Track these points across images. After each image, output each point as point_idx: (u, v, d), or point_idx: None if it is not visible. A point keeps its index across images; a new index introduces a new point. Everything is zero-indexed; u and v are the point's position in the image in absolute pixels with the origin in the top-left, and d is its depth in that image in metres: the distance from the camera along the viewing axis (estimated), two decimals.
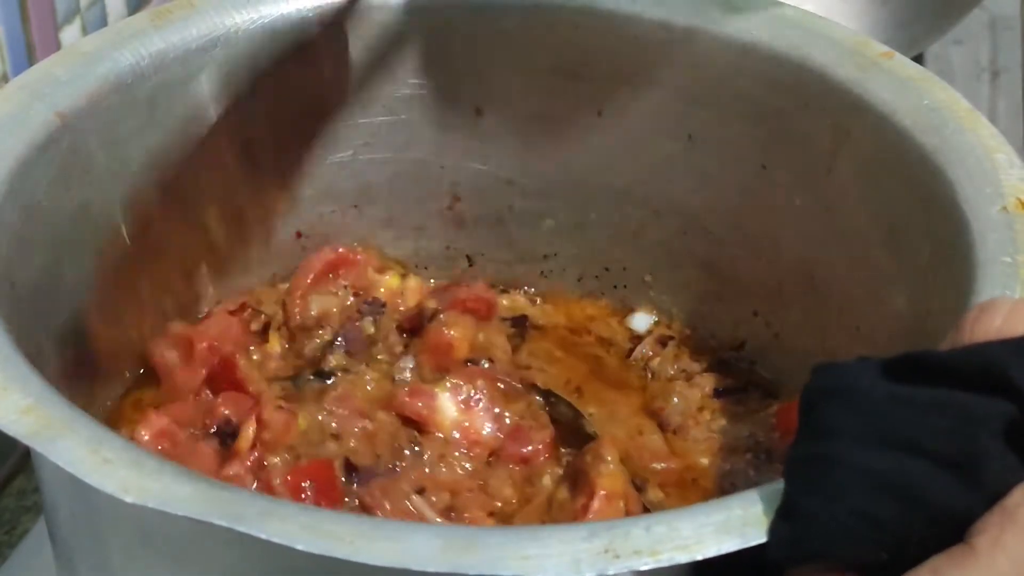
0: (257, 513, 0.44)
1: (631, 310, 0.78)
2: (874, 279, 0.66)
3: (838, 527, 0.42)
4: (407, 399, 0.67)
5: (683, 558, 0.43)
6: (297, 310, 0.72)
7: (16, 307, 0.57)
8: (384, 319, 0.73)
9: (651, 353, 0.75)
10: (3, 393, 0.49)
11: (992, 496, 0.41)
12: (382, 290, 0.74)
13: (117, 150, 0.65)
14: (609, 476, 0.62)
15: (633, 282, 0.78)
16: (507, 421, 0.68)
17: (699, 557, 0.43)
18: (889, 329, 0.64)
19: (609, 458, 0.62)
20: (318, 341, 0.72)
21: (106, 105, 0.64)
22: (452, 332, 0.71)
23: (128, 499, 0.45)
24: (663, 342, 0.76)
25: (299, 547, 0.43)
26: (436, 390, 0.68)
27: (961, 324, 0.45)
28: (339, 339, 0.71)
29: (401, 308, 0.74)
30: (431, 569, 0.43)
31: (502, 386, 0.69)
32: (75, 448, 0.47)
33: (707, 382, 0.73)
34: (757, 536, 0.44)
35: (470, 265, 0.80)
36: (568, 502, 0.63)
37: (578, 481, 0.63)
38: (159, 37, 0.67)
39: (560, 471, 0.66)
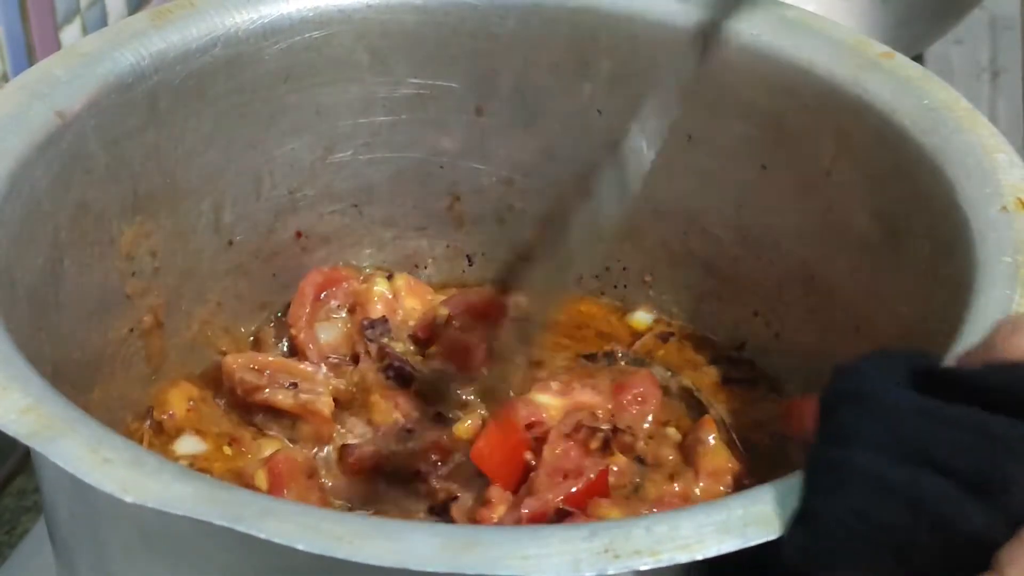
0: (256, 513, 0.44)
1: (631, 309, 0.78)
2: (874, 279, 0.66)
3: (842, 528, 0.41)
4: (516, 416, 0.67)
5: (683, 558, 0.43)
6: (311, 343, 0.72)
7: (16, 307, 0.57)
8: (398, 333, 0.73)
9: (652, 347, 0.76)
10: (3, 393, 0.49)
11: (1015, 522, 0.40)
12: (377, 304, 0.73)
13: (117, 150, 0.65)
14: (710, 455, 0.65)
15: (633, 282, 0.78)
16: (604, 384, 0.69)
17: (699, 557, 0.43)
18: (889, 329, 0.64)
19: (710, 437, 0.65)
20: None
21: (106, 105, 0.64)
22: (468, 337, 0.71)
23: (128, 499, 0.45)
24: (664, 338, 0.76)
25: (299, 547, 0.43)
26: (529, 396, 0.68)
27: (991, 340, 0.44)
28: (390, 372, 0.71)
29: (400, 314, 0.74)
30: (430, 569, 0.43)
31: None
32: (75, 448, 0.47)
33: (714, 372, 0.74)
34: (758, 535, 0.44)
35: (470, 265, 0.80)
36: (684, 475, 0.65)
37: (688, 459, 0.66)
38: (159, 37, 0.67)
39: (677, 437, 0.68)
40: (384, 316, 0.73)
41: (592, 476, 0.62)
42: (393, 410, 0.69)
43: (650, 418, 0.68)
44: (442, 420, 0.69)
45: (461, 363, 0.71)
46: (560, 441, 0.64)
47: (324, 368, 0.71)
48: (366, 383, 0.70)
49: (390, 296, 0.74)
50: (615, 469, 0.64)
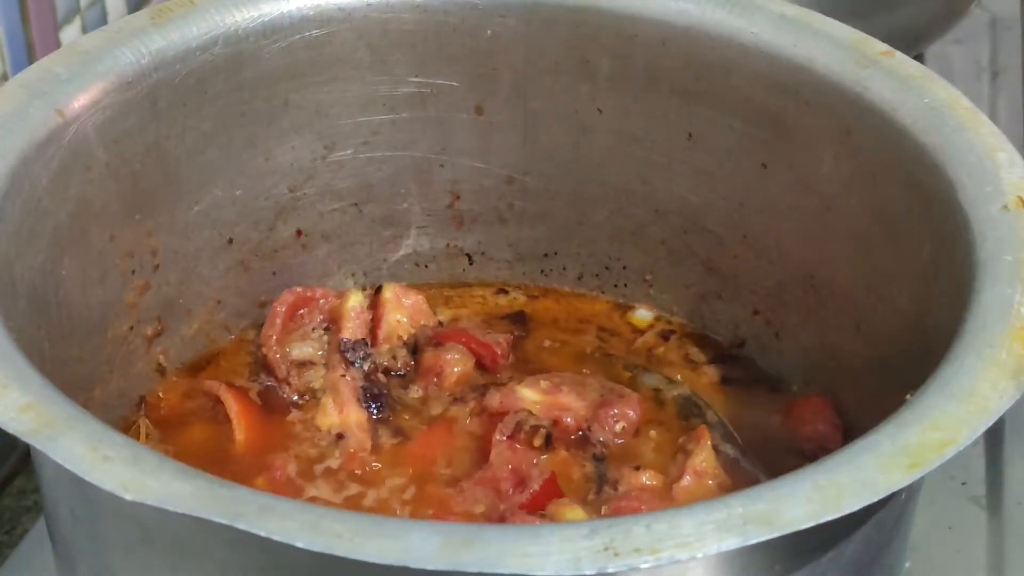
0: (256, 511, 0.44)
1: (631, 308, 0.78)
2: (874, 278, 0.66)
3: None
4: (488, 402, 0.69)
5: (683, 556, 0.43)
6: (278, 356, 0.72)
7: (16, 306, 0.57)
8: (380, 350, 0.73)
9: (652, 344, 0.76)
10: (3, 391, 0.49)
11: None
12: (355, 320, 0.73)
13: (117, 148, 0.65)
14: (697, 456, 0.65)
15: (633, 281, 0.78)
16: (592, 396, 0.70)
17: (699, 555, 0.43)
18: (890, 328, 0.64)
19: (702, 444, 0.66)
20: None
21: (106, 103, 0.64)
22: (448, 356, 0.72)
23: (128, 497, 0.45)
24: (664, 336, 0.76)
25: (299, 544, 0.43)
26: (513, 386, 0.70)
27: None
28: (367, 395, 0.71)
29: (384, 328, 0.74)
30: (430, 567, 0.43)
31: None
32: (75, 446, 0.47)
33: (713, 372, 0.74)
34: (758, 534, 0.44)
35: (470, 264, 0.80)
36: (663, 474, 0.66)
37: (677, 462, 0.66)
38: (159, 35, 0.67)
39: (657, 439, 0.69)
40: (364, 338, 0.73)
41: (536, 488, 0.64)
42: (335, 414, 0.70)
43: (621, 427, 0.69)
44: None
45: (427, 386, 0.71)
46: (503, 445, 0.66)
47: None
48: (326, 382, 0.72)
49: (366, 311, 0.73)
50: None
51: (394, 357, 0.73)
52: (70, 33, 0.90)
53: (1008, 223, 0.57)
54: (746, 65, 0.69)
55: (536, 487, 0.64)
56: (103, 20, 0.93)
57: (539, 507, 0.63)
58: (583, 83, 0.74)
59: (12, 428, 0.48)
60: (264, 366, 0.73)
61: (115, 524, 0.52)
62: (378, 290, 0.75)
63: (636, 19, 0.71)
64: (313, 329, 0.74)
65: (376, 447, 0.69)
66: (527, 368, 0.73)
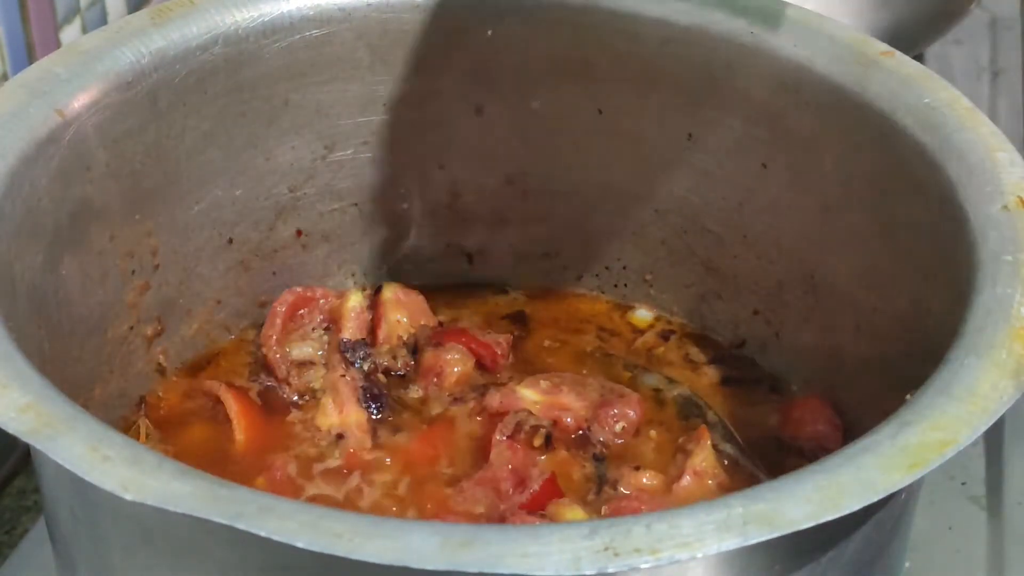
0: (256, 510, 0.44)
1: (631, 308, 0.78)
2: (874, 278, 0.66)
3: None
4: (488, 402, 0.69)
5: (683, 556, 0.43)
6: (278, 356, 0.72)
7: (16, 304, 0.57)
8: (379, 350, 0.73)
9: (652, 344, 0.76)
10: (3, 391, 0.49)
11: None
12: (354, 320, 0.73)
13: (117, 148, 0.65)
14: (697, 456, 0.65)
15: (633, 281, 0.78)
16: (592, 396, 0.70)
17: (699, 555, 0.43)
18: (890, 328, 0.64)
19: (703, 445, 0.66)
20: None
21: (106, 103, 0.64)
22: (448, 356, 0.72)
23: (128, 497, 0.45)
24: (665, 336, 0.76)
25: (299, 544, 0.43)
26: (513, 386, 0.70)
27: None
28: (367, 395, 0.71)
29: (381, 333, 0.74)
30: (430, 567, 0.43)
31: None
32: (74, 446, 0.47)
33: (714, 372, 0.74)
34: (758, 534, 0.44)
35: (470, 264, 0.80)
36: (663, 474, 0.66)
37: (677, 463, 0.66)
38: (159, 35, 0.67)
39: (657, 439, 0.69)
40: (364, 338, 0.73)
41: (536, 488, 0.64)
42: (335, 414, 0.69)
43: (621, 427, 0.69)
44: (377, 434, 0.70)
45: (426, 386, 0.71)
46: (503, 445, 0.66)
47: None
48: (326, 382, 0.71)
49: (366, 311, 0.73)
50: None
51: (394, 357, 0.73)
52: (70, 33, 0.90)
53: (1008, 223, 0.57)
54: (746, 65, 0.69)
55: (536, 487, 0.64)
56: (103, 20, 0.93)
57: (539, 507, 0.63)
58: (583, 82, 0.74)
59: (12, 428, 0.48)
60: (264, 366, 0.73)
61: (115, 524, 0.52)
62: (378, 290, 0.75)
63: (636, 19, 0.71)
64: (313, 329, 0.74)
65: (376, 447, 0.69)
66: (527, 368, 0.73)
